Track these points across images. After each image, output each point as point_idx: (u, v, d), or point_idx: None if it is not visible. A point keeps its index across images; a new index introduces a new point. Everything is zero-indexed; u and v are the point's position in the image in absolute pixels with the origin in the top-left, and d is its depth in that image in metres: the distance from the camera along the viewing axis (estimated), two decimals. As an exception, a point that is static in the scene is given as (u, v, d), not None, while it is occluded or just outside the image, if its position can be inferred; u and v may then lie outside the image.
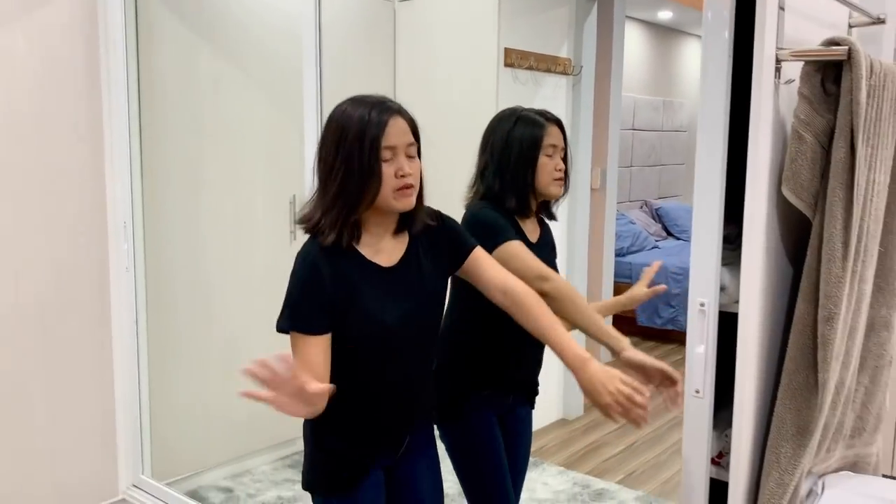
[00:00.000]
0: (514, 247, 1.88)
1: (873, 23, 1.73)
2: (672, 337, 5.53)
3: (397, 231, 1.65)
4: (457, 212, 1.90)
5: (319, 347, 1.54)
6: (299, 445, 3.47)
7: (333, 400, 1.49)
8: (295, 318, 1.54)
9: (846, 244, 1.41)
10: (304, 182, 2.31)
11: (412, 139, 1.57)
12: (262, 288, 3.11)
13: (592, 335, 1.78)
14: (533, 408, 2.17)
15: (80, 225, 2.77)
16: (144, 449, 3.01)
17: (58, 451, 2.79)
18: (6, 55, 2.54)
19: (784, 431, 1.49)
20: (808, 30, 1.57)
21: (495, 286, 1.70)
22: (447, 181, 1.89)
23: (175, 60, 2.92)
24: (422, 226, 1.67)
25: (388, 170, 1.52)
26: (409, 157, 1.56)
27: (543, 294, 1.76)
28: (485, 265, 1.73)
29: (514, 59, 3.52)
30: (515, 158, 1.95)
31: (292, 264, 1.57)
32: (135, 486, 3.01)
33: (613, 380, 1.50)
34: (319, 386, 1.39)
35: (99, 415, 2.90)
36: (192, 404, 3.14)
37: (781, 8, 1.43)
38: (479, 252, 1.74)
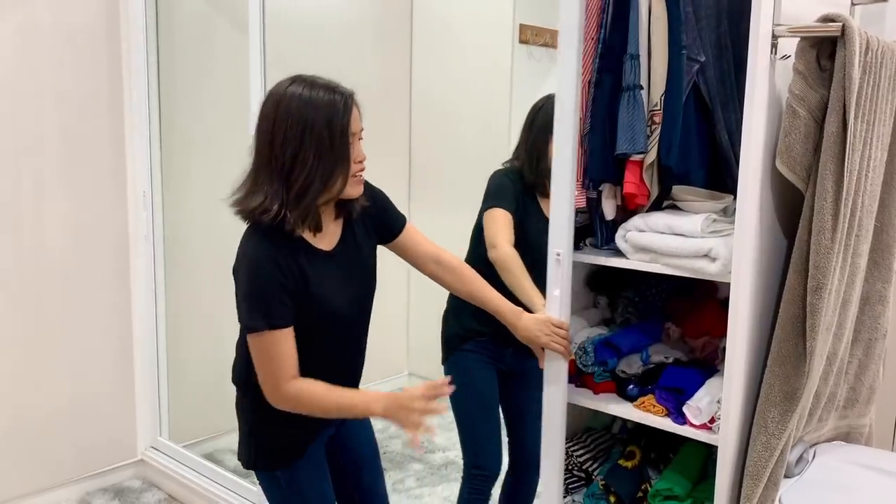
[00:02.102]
0: (493, 213, 2.10)
1: (876, 0, 1.74)
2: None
3: (337, 216, 1.68)
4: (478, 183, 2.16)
5: (291, 339, 1.57)
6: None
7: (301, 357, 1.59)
8: (270, 316, 1.53)
9: (836, 216, 1.45)
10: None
11: (363, 126, 1.61)
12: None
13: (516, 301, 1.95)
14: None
15: (101, 193, 2.85)
16: (162, 412, 3.12)
17: (79, 413, 2.89)
18: (30, 27, 2.61)
19: (772, 397, 1.54)
20: (808, 6, 1.59)
21: (429, 258, 1.85)
22: (460, 159, 1.97)
23: (194, 32, 2.98)
24: (360, 209, 1.71)
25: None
26: (360, 140, 1.60)
27: (492, 260, 2.04)
28: (416, 239, 1.85)
29: (529, 35, 3.54)
30: (535, 136, 2.06)
31: (240, 264, 1.55)
32: (153, 447, 3.11)
33: (545, 323, 1.77)
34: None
35: (119, 378, 3.00)
36: (207, 369, 3.23)
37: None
38: (409, 228, 1.84)
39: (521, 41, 3.51)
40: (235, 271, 1.59)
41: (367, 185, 1.74)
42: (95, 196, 2.83)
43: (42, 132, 2.67)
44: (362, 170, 1.61)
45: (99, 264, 2.88)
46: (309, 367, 1.62)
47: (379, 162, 1.88)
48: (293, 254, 1.58)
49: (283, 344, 1.55)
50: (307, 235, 1.62)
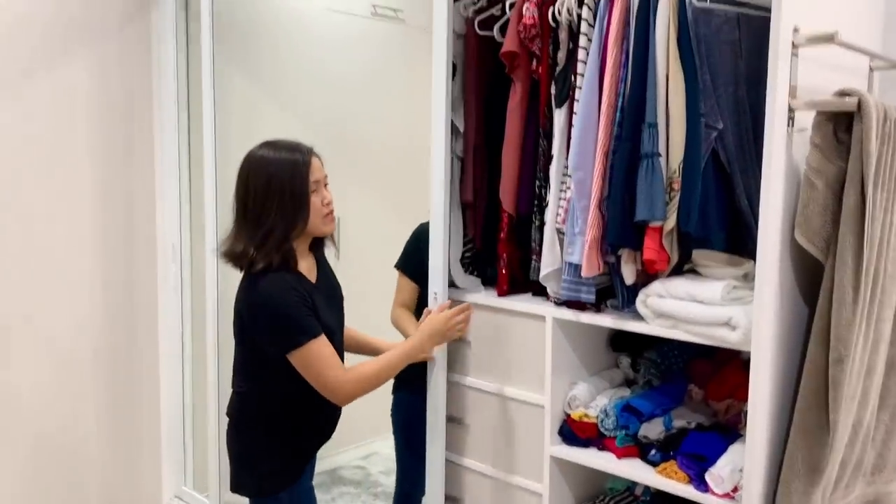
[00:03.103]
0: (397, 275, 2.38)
1: (894, 66, 1.75)
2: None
3: (310, 250, 1.92)
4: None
5: (327, 342, 1.79)
6: (328, 464, 3.55)
7: (291, 401, 1.84)
8: (307, 330, 1.76)
9: (856, 288, 1.44)
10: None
11: (325, 172, 1.86)
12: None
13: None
14: None
15: (131, 246, 2.92)
16: (187, 461, 3.14)
17: (106, 460, 2.93)
18: (69, 87, 2.70)
19: (796, 469, 1.52)
20: (825, 76, 1.60)
21: None
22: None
23: (219, 92, 3.05)
24: (321, 246, 1.97)
25: (315, 200, 1.81)
26: (325, 185, 1.86)
27: None
28: None
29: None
30: None
31: (259, 300, 1.77)
32: (177, 497, 3.13)
33: (441, 321, 1.93)
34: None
35: (146, 426, 3.03)
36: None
37: (795, 55, 1.47)
38: None
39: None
40: (254, 314, 1.80)
41: None
42: (126, 249, 2.90)
43: (76, 188, 2.75)
44: (330, 211, 1.86)
45: (129, 316, 2.93)
46: (306, 391, 1.81)
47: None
48: (301, 283, 1.82)
49: (325, 347, 1.78)
50: (304, 265, 1.86)
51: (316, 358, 1.77)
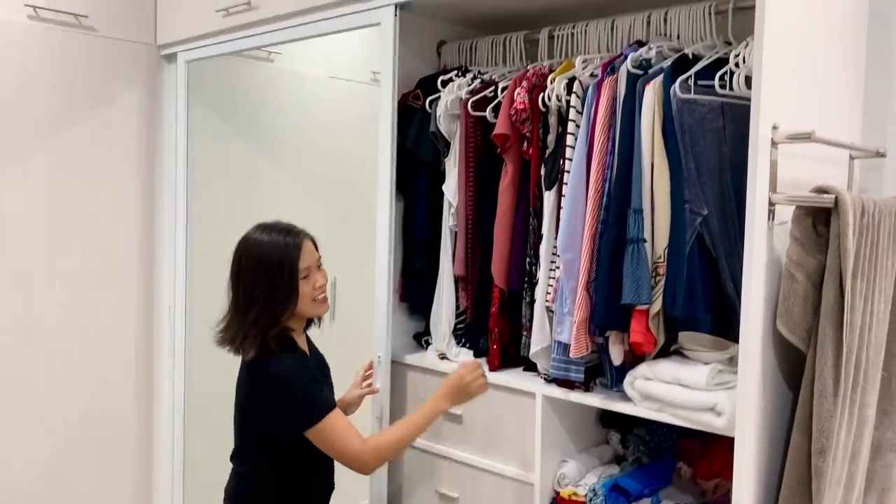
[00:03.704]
0: None
1: (875, 156, 1.80)
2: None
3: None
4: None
5: (343, 415, 1.84)
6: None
7: (292, 480, 1.86)
8: (320, 406, 1.79)
9: (837, 380, 1.46)
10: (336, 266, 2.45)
11: (318, 254, 1.91)
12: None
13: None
14: None
15: (127, 306, 2.95)
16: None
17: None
18: (71, 149, 2.75)
19: (781, 557, 1.52)
20: (807, 167, 1.65)
21: None
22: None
23: (215, 152, 3.10)
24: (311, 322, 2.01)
25: (306, 287, 1.84)
26: (319, 268, 1.91)
27: None
28: None
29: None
30: None
31: (272, 383, 1.80)
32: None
33: (455, 379, 1.89)
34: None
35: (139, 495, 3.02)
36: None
37: (774, 146, 1.52)
38: None
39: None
40: (268, 398, 1.81)
41: None
42: (122, 309, 2.93)
43: (75, 249, 2.78)
44: (322, 294, 1.90)
45: (123, 377, 2.94)
46: (319, 458, 1.85)
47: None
48: (308, 361, 1.89)
49: (340, 420, 1.81)
50: (300, 344, 1.91)
51: (335, 431, 1.79)
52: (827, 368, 1.46)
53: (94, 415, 2.88)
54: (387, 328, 2.22)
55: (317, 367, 1.96)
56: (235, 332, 1.83)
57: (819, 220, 1.50)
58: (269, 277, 1.81)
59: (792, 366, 1.61)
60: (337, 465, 1.97)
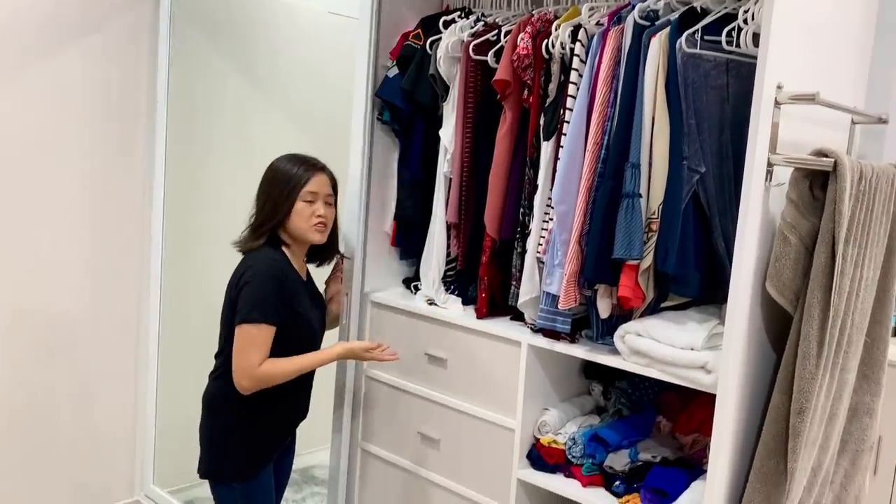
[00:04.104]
0: None
1: (877, 122, 1.79)
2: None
3: (307, 258, 2.10)
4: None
5: (272, 337, 1.91)
6: (300, 463, 3.57)
7: (263, 393, 1.91)
8: (266, 313, 1.88)
9: (821, 343, 1.48)
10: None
11: (331, 192, 2.02)
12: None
13: None
14: None
15: (120, 239, 2.92)
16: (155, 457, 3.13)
17: (80, 454, 2.94)
18: (61, 76, 2.70)
19: (752, 513, 1.56)
20: (808, 129, 1.64)
21: None
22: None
23: (202, 82, 3.04)
24: (324, 259, 2.15)
25: (305, 209, 1.96)
26: (328, 204, 2.01)
27: None
28: None
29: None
30: None
31: (248, 273, 1.91)
32: (146, 496, 3.14)
33: (361, 347, 2.05)
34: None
35: (119, 422, 3.05)
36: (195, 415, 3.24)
37: (777, 106, 1.50)
38: None
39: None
40: (243, 283, 1.91)
41: None
42: (114, 242, 2.91)
43: (66, 176, 2.74)
44: (320, 222, 1.99)
45: (111, 309, 2.95)
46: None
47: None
48: (290, 273, 1.98)
49: (262, 335, 1.89)
50: (295, 264, 2.01)
51: (249, 339, 1.87)
52: (812, 331, 1.47)
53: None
54: (361, 262, 2.32)
55: (307, 290, 2.05)
56: (245, 237, 2.01)
57: (816, 183, 1.50)
58: (277, 191, 1.97)
59: (777, 328, 1.63)
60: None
